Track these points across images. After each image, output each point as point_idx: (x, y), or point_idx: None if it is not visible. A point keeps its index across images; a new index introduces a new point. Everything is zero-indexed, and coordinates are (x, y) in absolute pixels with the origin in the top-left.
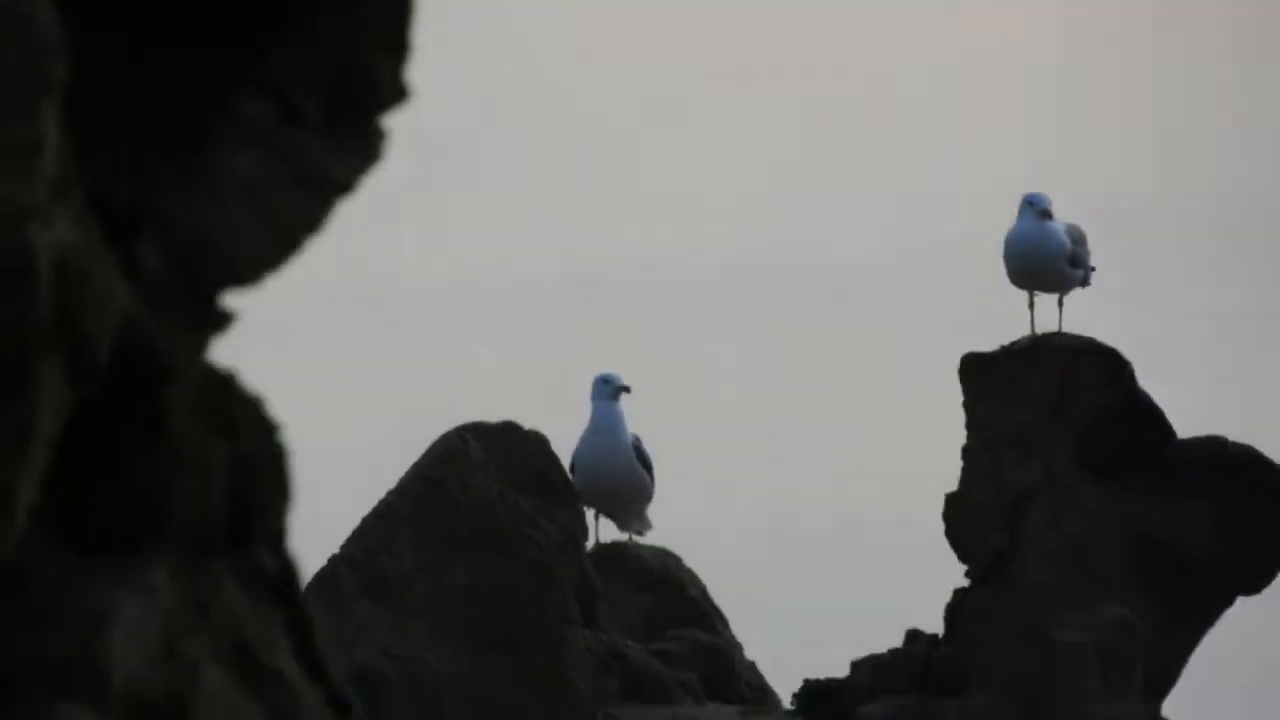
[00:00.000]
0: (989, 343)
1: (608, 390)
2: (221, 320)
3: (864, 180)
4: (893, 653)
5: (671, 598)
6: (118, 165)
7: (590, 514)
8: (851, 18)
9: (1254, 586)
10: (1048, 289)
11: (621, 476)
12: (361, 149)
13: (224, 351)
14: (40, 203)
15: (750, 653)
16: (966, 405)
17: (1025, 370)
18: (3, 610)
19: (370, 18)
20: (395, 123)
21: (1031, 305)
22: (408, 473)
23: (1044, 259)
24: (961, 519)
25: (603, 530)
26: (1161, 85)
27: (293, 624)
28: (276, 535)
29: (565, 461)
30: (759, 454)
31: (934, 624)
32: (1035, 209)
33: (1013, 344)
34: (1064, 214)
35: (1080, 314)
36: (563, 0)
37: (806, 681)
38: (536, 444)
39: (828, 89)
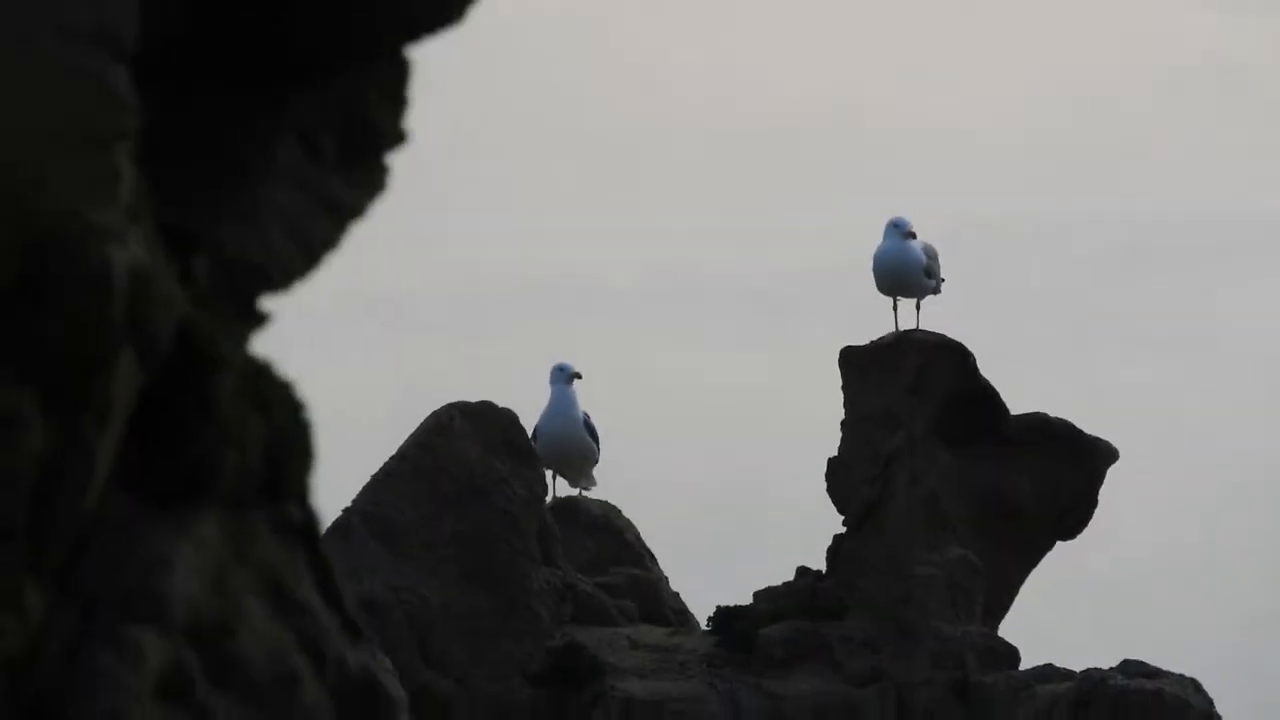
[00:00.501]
0: (862, 338)
1: (563, 376)
2: (259, 319)
3: (781, 209)
4: (786, 585)
5: (612, 541)
6: (178, 195)
7: (549, 474)
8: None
9: (1070, 533)
10: (908, 295)
11: (574, 445)
12: (369, 182)
13: (261, 344)
14: (118, 226)
15: (675, 585)
16: (844, 388)
17: (891, 360)
18: (86, 551)
19: (378, 75)
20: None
21: (895, 309)
22: (406, 441)
23: (905, 272)
24: (840, 478)
25: (558, 487)
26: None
27: (315, 564)
28: (302, 492)
29: (530, 432)
30: (684, 429)
31: (819, 562)
32: (900, 231)
33: (881, 339)
34: (920, 234)
35: (934, 315)
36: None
37: (719, 608)
38: (508, 419)
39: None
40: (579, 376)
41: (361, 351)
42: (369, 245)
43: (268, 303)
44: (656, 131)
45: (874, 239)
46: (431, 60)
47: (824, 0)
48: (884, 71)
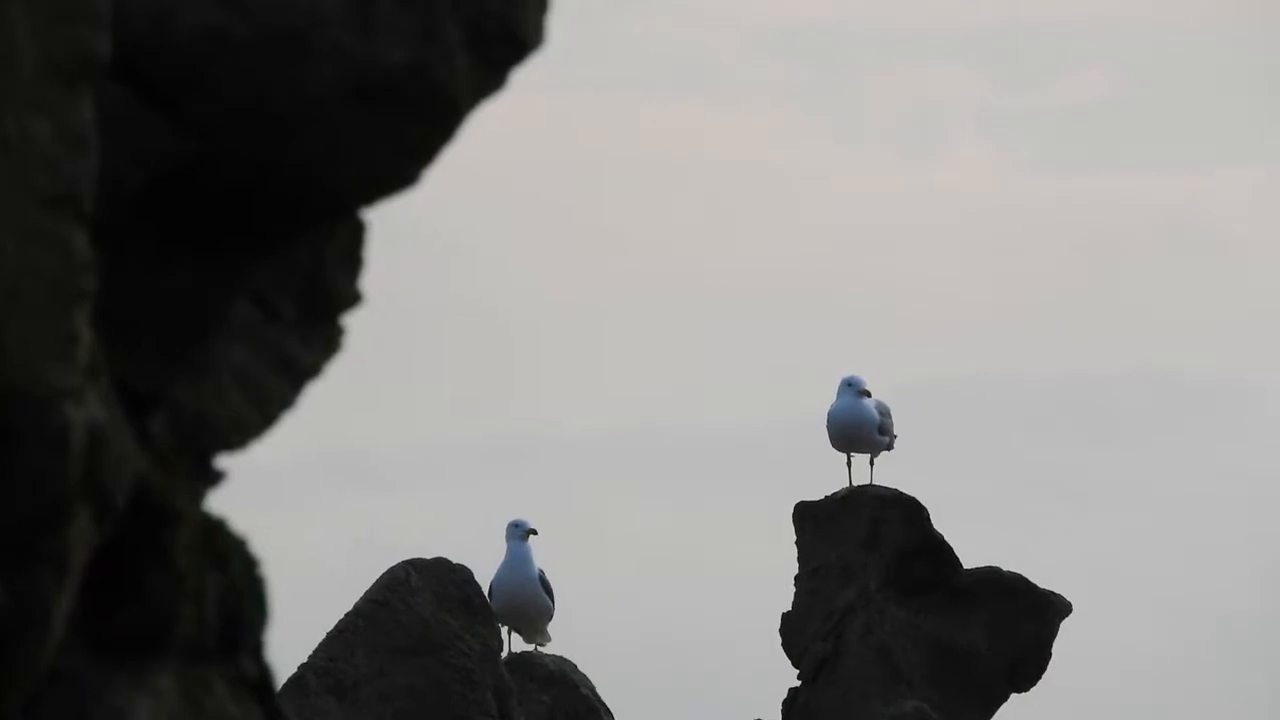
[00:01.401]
0: (815, 493)
1: (518, 532)
2: (215, 477)
3: (717, 364)
4: None
5: (568, 696)
6: (136, 354)
7: (504, 630)
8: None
9: (1024, 685)
10: (862, 451)
11: (529, 601)
12: (326, 342)
13: (217, 501)
14: (76, 386)
15: None
16: (798, 542)
17: (844, 514)
18: (43, 705)
19: (335, 239)
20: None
21: (849, 464)
22: (362, 597)
23: (859, 428)
24: (793, 632)
25: (514, 643)
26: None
27: (269, 717)
28: (257, 646)
29: (485, 588)
30: (639, 584)
31: (774, 716)
32: (853, 389)
33: (834, 494)
34: (872, 389)
35: (888, 471)
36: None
37: None
38: (462, 575)
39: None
40: (535, 533)
41: (316, 508)
42: (325, 402)
43: (223, 460)
44: (615, 289)
45: (828, 396)
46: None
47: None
48: (824, 234)
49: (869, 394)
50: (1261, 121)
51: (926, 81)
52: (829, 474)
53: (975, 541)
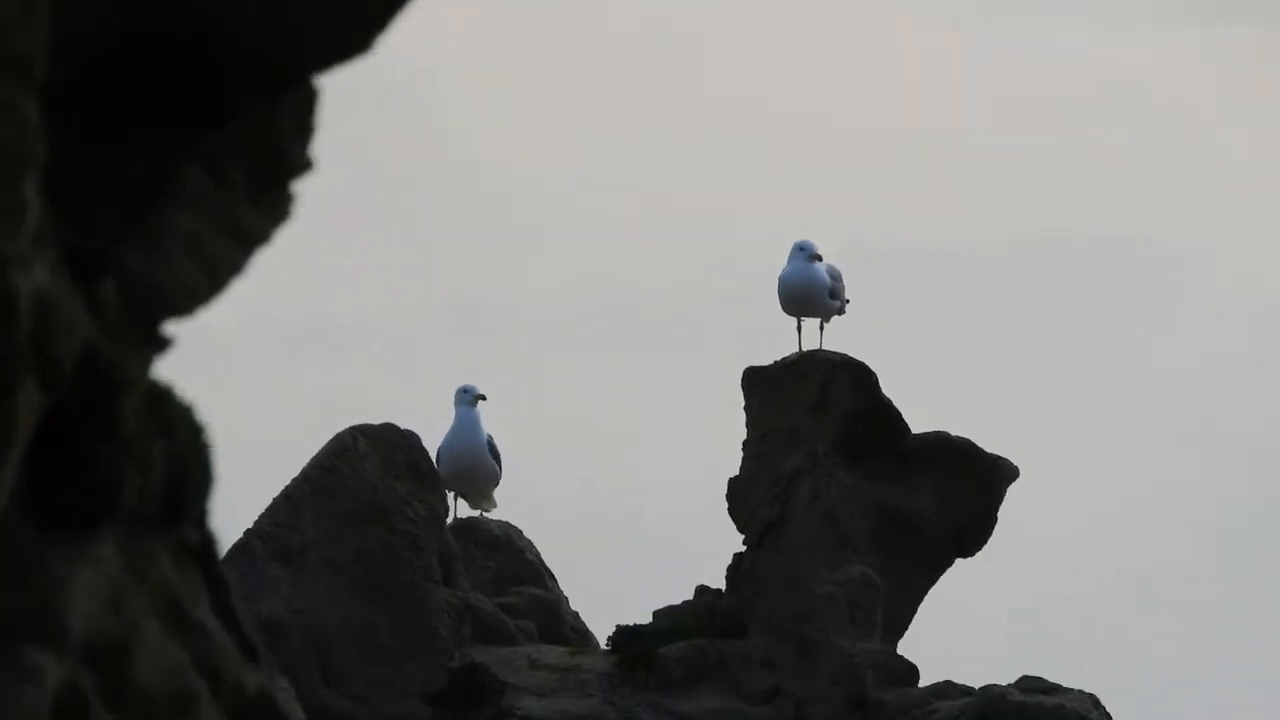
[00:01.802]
0: (765, 358)
1: (467, 398)
2: (164, 344)
3: (670, 227)
4: (686, 604)
5: (513, 561)
6: (85, 221)
7: (451, 496)
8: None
9: (969, 551)
10: (812, 316)
11: (476, 466)
12: (276, 209)
13: (165, 368)
14: (23, 253)
15: (574, 604)
16: (746, 407)
17: (793, 379)
18: None
19: (287, 106)
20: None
21: (799, 329)
22: (309, 463)
23: (809, 293)
24: (740, 498)
25: (460, 508)
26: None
27: (213, 585)
28: (201, 514)
29: (433, 454)
30: (586, 449)
31: (718, 581)
32: (805, 253)
33: (784, 359)
34: (824, 252)
35: (838, 336)
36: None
37: (619, 627)
38: (410, 440)
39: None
40: (483, 398)
41: (264, 375)
42: (275, 269)
43: (172, 327)
44: (562, 150)
45: (779, 260)
46: (338, 87)
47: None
48: (787, 97)
49: (820, 258)
50: None
51: None
52: (779, 338)
53: (924, 407)
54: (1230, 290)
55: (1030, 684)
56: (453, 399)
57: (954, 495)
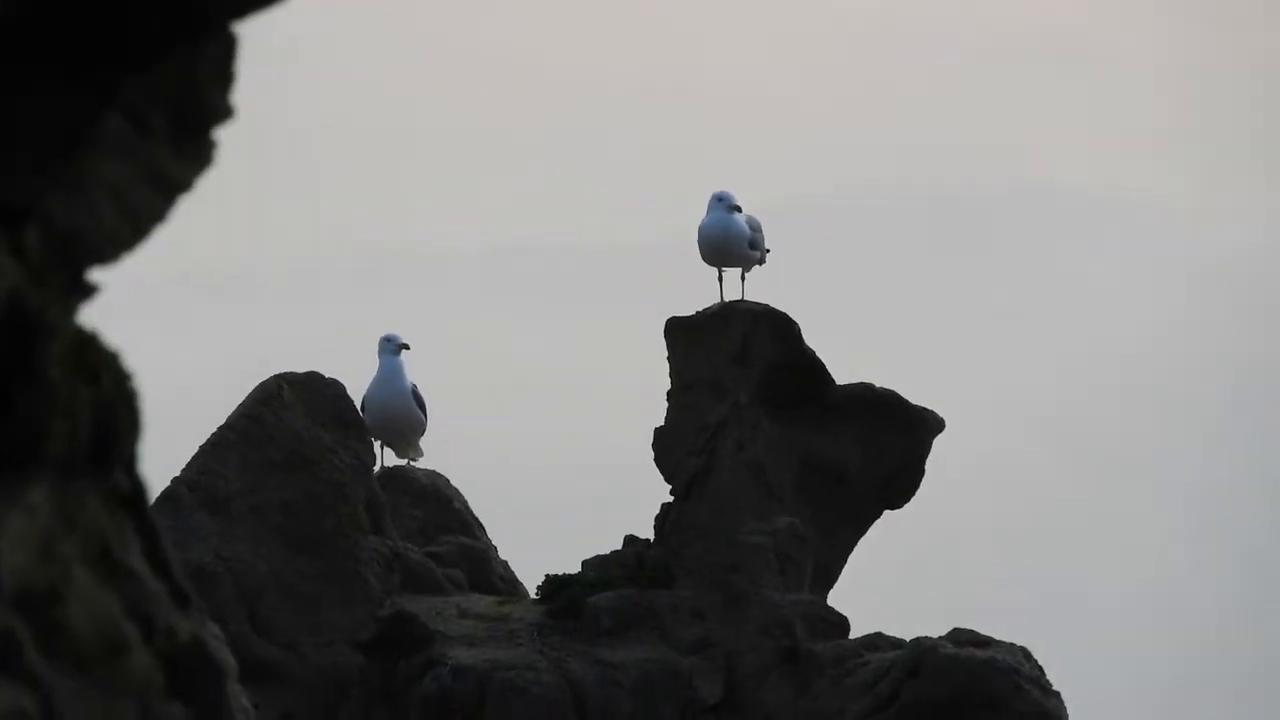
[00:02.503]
0: (687, 309)
1: (390, 348)
2: (88, 291)
3: (592, 181)
4: (615, 554)
5: (440, 510)
6: (7, 168)
7: (377, 445)
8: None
9: (896, 502)
10: (733, 266)
11: (402, 415)
12: (197, 156)
13: (90, 315)
14: None
15: (503, 553)
16: (670, 358)
17: (715, 330)
18: None
19: (206, 54)
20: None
21: (720, 279)
22: (234, 412)
23: (729, 243)
24: (666, 448)
25: (387, 457)
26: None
27: (143, 532)
28: (130, 461)
29: (358, 403)
30: (513, 399)
31: (647, 531)
32: (724, 204)
33: (706, 309)
34: (744, 204)
35: (759, 286)
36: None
37: (548, 576)
38: (335, 389)
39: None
40: (407, 347)
41: (190, 322)
42: (198, 217)
43: (97, 274)
44: (489, 104)
45: (698, 212)
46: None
47: None
48: (706, 44)
49: (739, 209)
50: None
51: None
52: (701, 289)
53: (848, 358)
54: (1140, 231)
55: (962, 636)
56: (376, 348)
57: (880, 447)
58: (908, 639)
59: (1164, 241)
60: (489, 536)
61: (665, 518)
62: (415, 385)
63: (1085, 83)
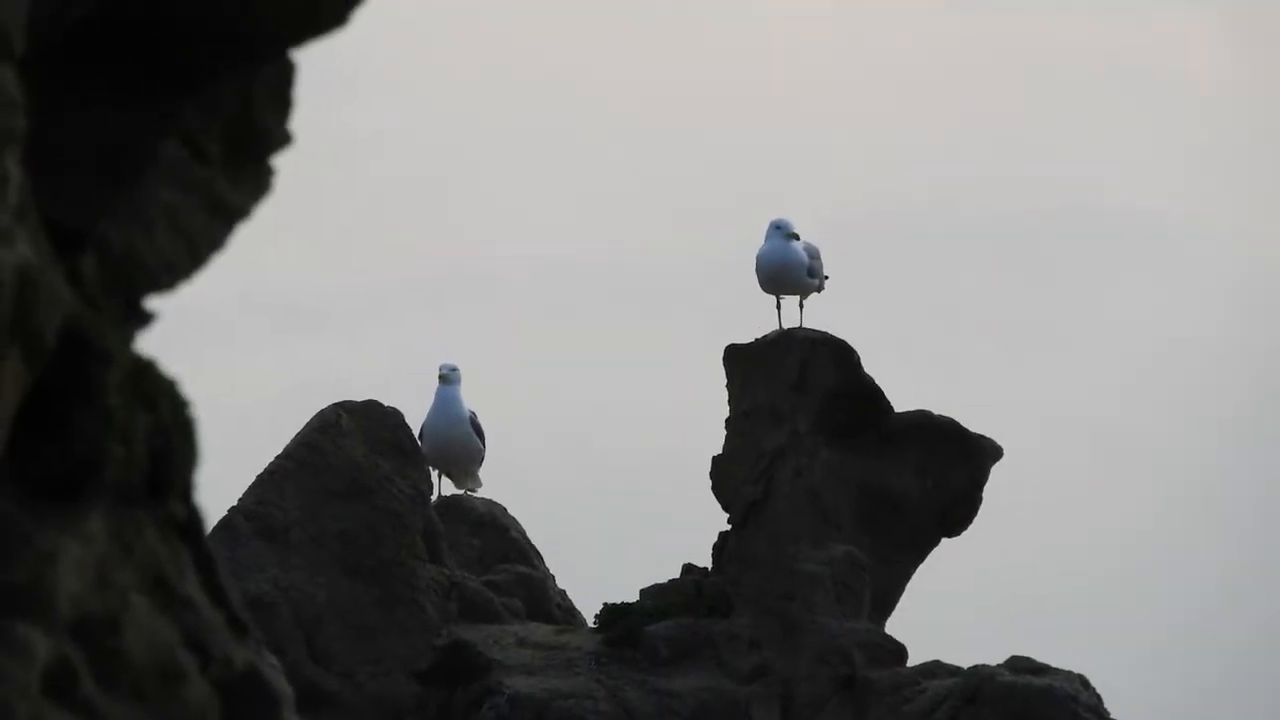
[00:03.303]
0: (746, 336)
1: (447, 377)
2: (145, 318)
3: (648, 200)
4: (672, 582)
5: (498, 539)
6: (65, 194)
7: (434, 473)
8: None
9: (954, 530)
10: (791, 294)
11: (460, 444)
12: (255, 183)
13: (147, 342)
14: (5, 227)
15: (561, 582)
16: (728, 385)
17: (774, 357)
18: None
19: (263, 79)
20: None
21: (778, 307)
22: (292, 440)
23: (787, 271)
24: (724, 476)
25: (444, 486)
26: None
27: (200, 560)
28: (187, 489)
29: (416, 431)
30: (569, 428)
31: (704, 560)
32: (782, 231)
33: (764, 336)
34: (802, 226)
35: (818, 313)
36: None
37: (605, 605)
38: (393, 418)
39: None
40: (458, 376)
41: (247, 350)
42: (256, 242)
43: (154, 301)
44: (546, 127)
45: (758, 238)
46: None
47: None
48: (766, 68)
49: (797, 236)
50: None
51: None
52: (759, 316)
53: (907, 385)
54: (1202, 255)
55: (1019, 664)
56: (435, 377)
57: (938, 475)
58: (965, 666)
59: (1230, 264)
60: (546, 565)
61: (723, 546)
62: (474, 413)
63: (1147, 105)
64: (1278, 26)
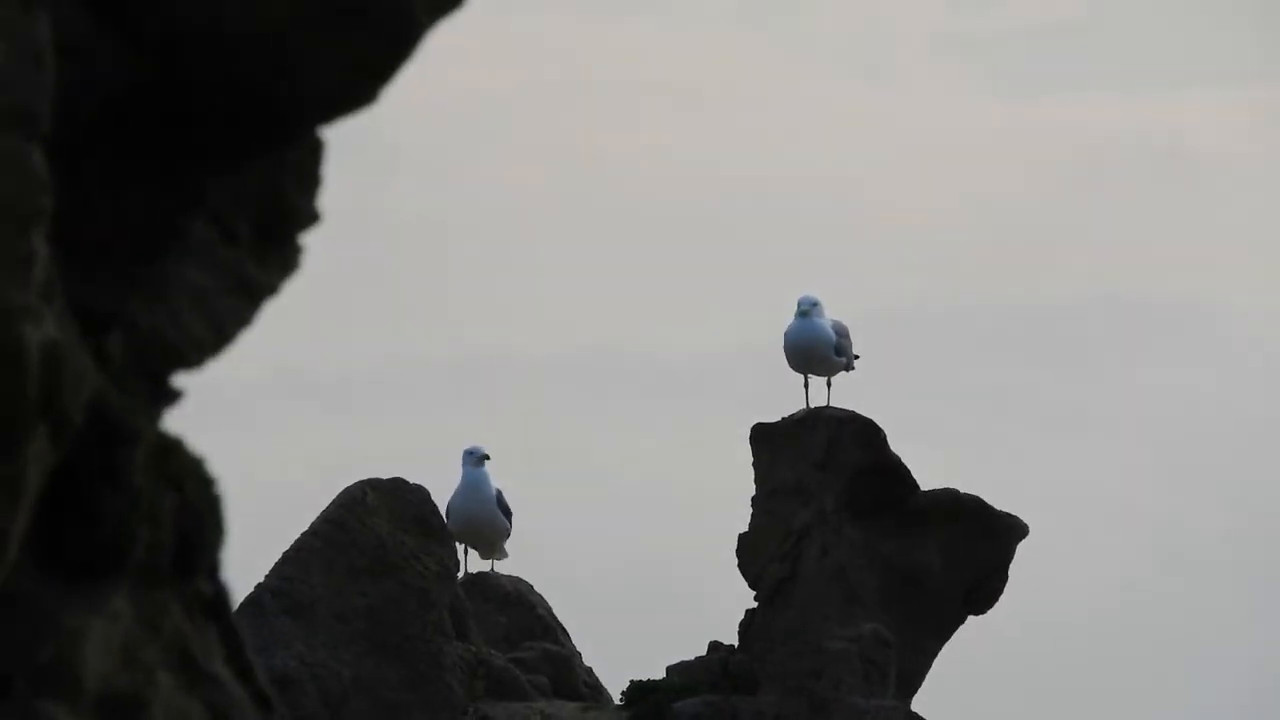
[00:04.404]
0: (773, 415)
1: (473, 459)
2: (171, 396)
3: (679, 287)
4: (699, 659)
5: (524, 616)
6: (92, 273)
7: (461, 549)
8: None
9: (981, 608)
10: (819, 373)
11: (487, 522)
12: (283, 261)
13: (174, 421)
14: (32, 305)
15: (587, 659)
16: (755, 464)
17: (801, 436)
18: None
19: (291, 158)
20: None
21: (806, 385)
22: (318, 517)
23: (814, 349)
24: (750, 554)
25: (471, 562)
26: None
27: (226, 637)
28: (213, 567)
29: (442, 509)
30: (595, 506)
31: (731, 637)
32: (810, 309)
33: (791, 415)
34: (834, 313)
35: (846, 392)
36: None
37: (632, 682)
38: (419, 495)
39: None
40: (488, 458)
41: (274, 428)
42: (283, 321)
43: (180, 380)
44: (574, 209)
45: (785, 317)
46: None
47: (744, 91)
48: (792, 153)
49: (822, 314)
50: (1229, 43)
51: (879, 2)
52: (787, 395)
53: (933, 463)
54: (1229, 340)
55: None
56: (460, 458)
57: (964, 553)
58: None
59: (1254, 350)
60: (573, 642)
61: (749, 623)
62: (500, 490)
63: (1174, 191)
64: None
